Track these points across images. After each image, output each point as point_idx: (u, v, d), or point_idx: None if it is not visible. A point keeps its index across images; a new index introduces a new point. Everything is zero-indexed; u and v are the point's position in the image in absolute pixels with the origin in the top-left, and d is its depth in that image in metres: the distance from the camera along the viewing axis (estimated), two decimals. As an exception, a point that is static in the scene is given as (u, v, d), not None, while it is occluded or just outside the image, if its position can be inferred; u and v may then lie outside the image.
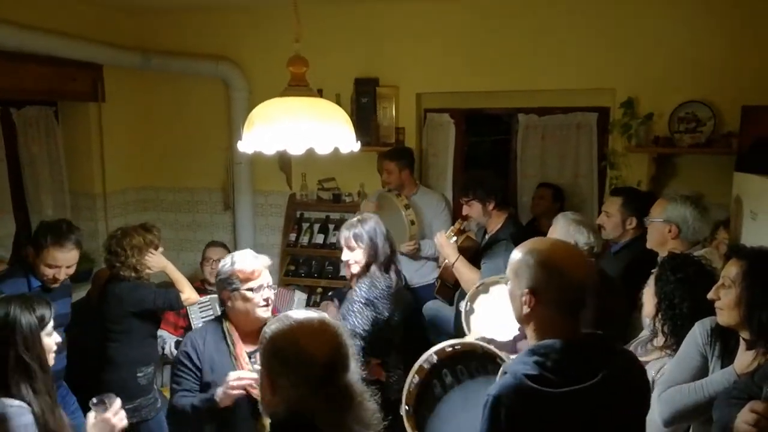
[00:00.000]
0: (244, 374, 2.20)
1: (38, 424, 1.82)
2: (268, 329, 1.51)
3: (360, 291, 2.68)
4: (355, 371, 1.52)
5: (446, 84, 4.35)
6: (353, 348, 1.54)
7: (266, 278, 2.39)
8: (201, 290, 3.96)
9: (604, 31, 4.00)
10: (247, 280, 2.33)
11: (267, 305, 2.36)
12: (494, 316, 2.92)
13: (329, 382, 1.44)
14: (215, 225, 4.97)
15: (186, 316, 3.77)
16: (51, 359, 2.00)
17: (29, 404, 1.83)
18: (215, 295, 3.75)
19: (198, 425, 2.28)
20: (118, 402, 2.01)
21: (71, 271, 2.93)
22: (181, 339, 3.77)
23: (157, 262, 3.16)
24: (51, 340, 1.99)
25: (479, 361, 2.20)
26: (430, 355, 2.16)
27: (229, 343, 2.35)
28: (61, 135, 4.39)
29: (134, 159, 4.85)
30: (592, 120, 4.24)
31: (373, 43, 4.38)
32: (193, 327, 3.70)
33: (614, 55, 3.99)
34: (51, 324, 1.99)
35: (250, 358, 2.34)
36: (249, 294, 2.32)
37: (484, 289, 2.95)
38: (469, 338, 2.36)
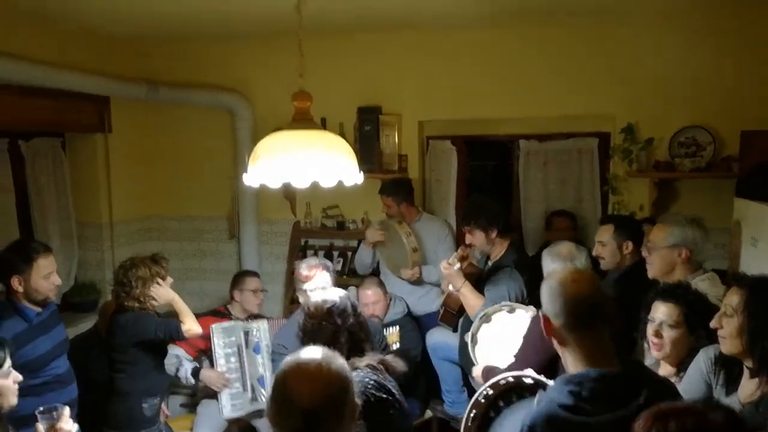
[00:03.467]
0: None
1: None
2: (281, 363, 1.48)
3: None
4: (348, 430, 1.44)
5: (448, 111, 4.41)
6: (354, 403, 1.46)
7: (317, 282, 2.97)
8: (223, 315, 3.97)
9: (603, 57, 4.05)
10: (305, 281, 3.04)
11: None
12: (495, 343, 2.94)
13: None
14: (220, 253, 4.99)
15: (208, 338, 3.73)
16: (12, 399, 1.99)
17: None
18: (240, 322, 3.82)
19: None
20: (66, 410, 2.02)
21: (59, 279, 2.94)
22: (196, 363, 3.77)
23: (163, 293, 3.17)
24: (9, 381, 1.97)
25: (530, 389, 2.22)
26: (486, 388, 2.19)
27: None
28: (68, 165, 4.44)
29: (140, 188, 4.90)
30: (593, 145, 4.28)
31: (375, 72, 4.45)
32: (214, 350, 3.70)
33: (613, 81, 4.04)
34: (8, 364, 1.97)
35: None
36: (307, 293, 2.87)
37: (486, 319, 2.98)
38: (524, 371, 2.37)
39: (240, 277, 4.11)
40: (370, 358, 2.17)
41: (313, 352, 1.49)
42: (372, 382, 2.06)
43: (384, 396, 2.06)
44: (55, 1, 3.29)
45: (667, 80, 3.95)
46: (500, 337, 2.94)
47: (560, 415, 1.51)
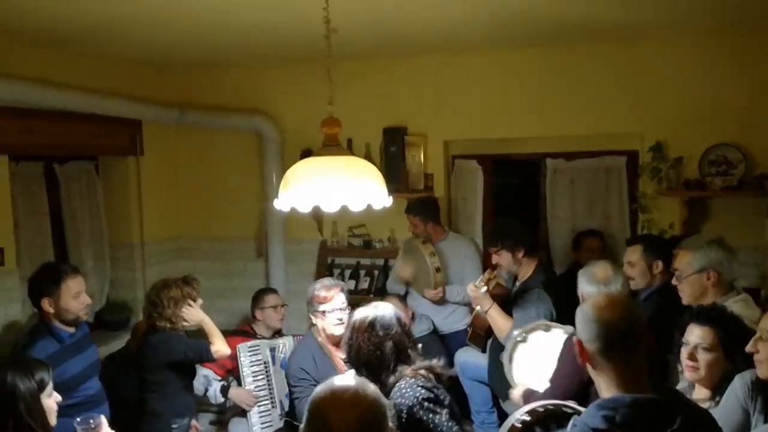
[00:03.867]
0: None
1: None
2: (314, 392, 1.50)
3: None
4: None
5: (473, 131, 4.42)
6: (390, 427, 1.47)
7: (339, 302, 2.92)
8: (249, 334, 4.03)
9: (631, 75, 4.04)
10: (321, 303, 2.90)
11: (341, 323, 2.86)
12: (532, 364, 2.91)
13: None
14: (248, 272, 5.04)
15: (235, 358, 3.78)
16: (53, 419, 2.03)
17: None
18: (265, 340, 3.86)
19: None
20: (103, 419, 2.05)
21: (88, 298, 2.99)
22: (225, 382, 3.82)
23: (194, 315, 3.22)
24: (51, 400, 2.03)
25: (569, 418, 2.21)
26: (523, 414, 2.18)
27: (327, 353, 2.89)
28: (102, 188, 4.54)
29: (171, 210, 4.99)
30: (621, 163, 4.25)
31: (401, 94, 4.49)
32: (241, 369, 3.74)
33: (641, 100, 4.02)
34: (51, 385, 2.02)
35: None
36: (325, 314, 2.89)
37: (522, 339, 2.96)
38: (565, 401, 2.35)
39: (259, 295, 4.17)
40: (418, 365, 2.19)
41: (346, 380, 1.52)
42: (422, 390, 2.10)
43: (433, 397, 2.10)
44: (90, 30, 3.39)
45: (695, 98, 3.91)
46: (537, 357, 2.91)
47: None
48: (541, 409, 2.13)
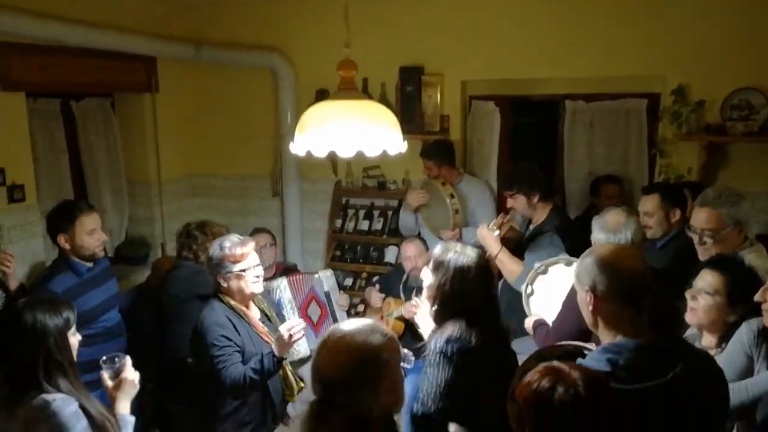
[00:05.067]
0: (293, 323, 2.60)
1: (84, 411, 1.95)
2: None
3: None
4: (372, 399, 1.51)
5: (491, 71, 4.33)
6: (381, 375, 1.52)
7: (255, 258, 2.78)
8: None
9: (654, 16, 3.90)
10: (237, 262, 2.71)
11: (258, 280, 2.78)
12: (551, 295, 2.95)
13: (330, 401, 1.49)
14: (264, 211, 5.10)
15: None
16: (74, 356, 2.11)
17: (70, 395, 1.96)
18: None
19: (257, 385, 2.65)
20: (128, 360, 2.15)
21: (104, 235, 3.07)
22: None
23: None
24: (75, 338, 2.11)
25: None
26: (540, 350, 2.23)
27: (243, 315, 2.76)
28: (118, 125, 4.56)
29: (187, 147, 5.01)
30: (641, 106, 4.15)
31: (418, 32, 4.38)
32: None
33: (664, 41, 3.90)
34: (75, 325, 2.11)
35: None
36: (242, 274, 2.72)
37: (543, 270, 2.98)
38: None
39: (250, 235, 4.21)
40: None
41: (350, 324, 1.59)
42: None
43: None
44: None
45: (720, 41, 3.79)
46: (554, 290, 2.94)
47: None
48: (560, 350, 2.18)
